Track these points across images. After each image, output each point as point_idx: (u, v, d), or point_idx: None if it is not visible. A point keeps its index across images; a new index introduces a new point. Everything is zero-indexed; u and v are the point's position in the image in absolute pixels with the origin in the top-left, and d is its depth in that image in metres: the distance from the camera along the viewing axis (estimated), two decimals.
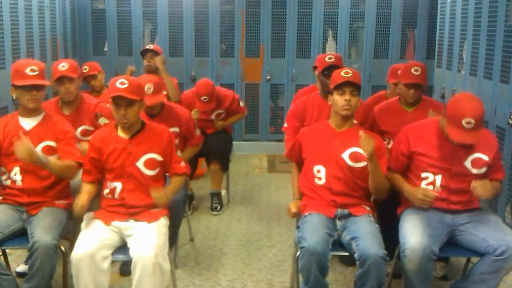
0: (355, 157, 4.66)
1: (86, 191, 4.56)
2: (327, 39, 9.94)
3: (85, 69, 7.02)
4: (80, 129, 5.53)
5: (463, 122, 4.23)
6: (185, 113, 6.16)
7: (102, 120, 5.54)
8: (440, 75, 8.45)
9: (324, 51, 9.87)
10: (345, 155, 4.68)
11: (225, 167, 7.34)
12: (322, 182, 4.70)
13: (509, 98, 6.13)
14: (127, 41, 9.97)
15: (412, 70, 5.37)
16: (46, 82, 4.67)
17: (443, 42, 8.38)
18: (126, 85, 4.41)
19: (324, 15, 9.82)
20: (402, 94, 5.50)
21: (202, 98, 6.89)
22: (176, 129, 5.89)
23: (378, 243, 4.28)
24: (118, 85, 4.41)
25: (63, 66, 5.50)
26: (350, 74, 4.64)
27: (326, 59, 5.73)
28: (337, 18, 9.83)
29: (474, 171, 4.53)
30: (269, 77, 9.96)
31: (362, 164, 4.66)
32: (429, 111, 5.30)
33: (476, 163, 4.53)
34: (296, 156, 4.98)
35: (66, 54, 8.95)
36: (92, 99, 5.82)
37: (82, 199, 4.44)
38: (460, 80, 7.59)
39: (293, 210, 4.74)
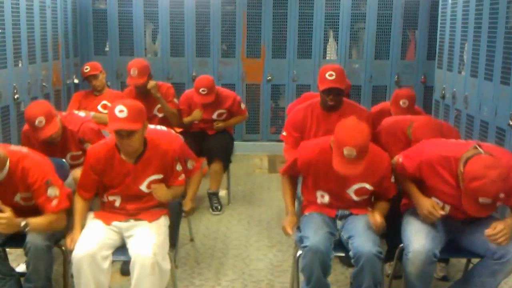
0: (360, 192, 4.59)
1: (79, 221, 4.46)
2: (328, 40, 9.94)
3: (87, 69, 7.05)
4: (68, 155, 5.42)
5: (480, 200, 3.94)
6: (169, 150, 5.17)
7: (88, 146, 5.47)
8: (441, 76, 8.45)
9: (325, 51, 9.89)
10: (351, 191, 4.58)
11: (226, 167, 7.34)
12: (325, 202, 4.68)
13: (509, 100, 6.14)
14: (128, 41, 9.98)
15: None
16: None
17: (444, 43, 8.38)
18: (125, 114, 4.24)
19: (325, 15, 9.81)
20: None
21: (200, 90, 6.91)
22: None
23: (372, 241, 4.27)
24: (117, 114, 4.25)
25: (40, 122, 5.06)
26: (354, 155, 4.22)
27: (327, 76, 5.40)
28: (338, 19, 9.83)
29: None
30: (270, 77, 9.96)
31: (366, 196, 4.64)
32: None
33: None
34: (295, 172, 4.82)
35: (67, 53, 8.98)
36: (73, 122, 5.50)
37: (77, 234, 4.34)
38: (460, 81, 7.59)
39: (289, 231, 4.51)
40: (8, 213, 4.10)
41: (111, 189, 4.56)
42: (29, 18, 7.54)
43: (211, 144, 7.09)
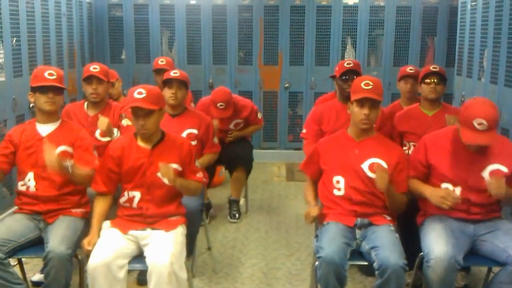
0: (374, 167, 4.58)
1: (97, 224, 4.50)
2: (346, 47, 9.89)
3: None
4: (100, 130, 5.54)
5: (475, 123, 4.20)
6: (206, 118, 6.15)
7: (125, 121, 5.56)
8: (460, 82, 8.37)
9: (343, 58, 9.79)
10: (365, 166, 4.62)
11: (248, 174, 7.33)
12: (342, 193, 4.64)
13: None
14: (144, 48, 9.97)
15: (431, 68, 5.54)
16: (62, 86, 4.66)
17: (463, 49, 8.30)
18: (144, 95, 4.38)
19: (343, 22, 9.78)
20: (423, 93, 5.58)
21: (218, 105, 6.86)
22: (194, 131, 5.93)
23: (398, 252, 4.22)
24: (136, 95, 4.40)
25: (94, 68, 5.59)
26: (370, 87, 4.55)
27: (345, 64, 5.75)
28: (356, 25, 9.78)
29: None
30: (287, 85, 9.93)
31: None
32: (446, 116, 5.34)
33: (494, 174, 4.42)
34: (312, 169, 4.90)
35: (83, 61, 8.96)
36: (119, 104, 5.85)
37: (95, 237, 4.40)
38: (480, 88, 7.51)
39: (313, 213, 4.55)
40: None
41: (129, 182, 4.56)
42: (44, 26, 7.55)
43: (233, 152, 7.05)
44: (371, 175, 4.58)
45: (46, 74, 4.61)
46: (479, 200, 4.46)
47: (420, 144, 4.70)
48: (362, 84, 4.56)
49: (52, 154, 4.37)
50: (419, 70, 5.95)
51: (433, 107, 5.56)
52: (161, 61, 7.35)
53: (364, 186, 4.60)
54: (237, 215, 7.16)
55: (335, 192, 4.67)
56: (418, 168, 4.65)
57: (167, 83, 5.84)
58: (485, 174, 4.43)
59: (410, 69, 6.13)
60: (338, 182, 4.66)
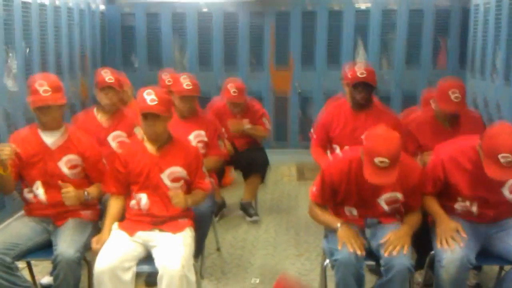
0: (392, 201, 4.45)
1: (109, 224, 4.57)
2: (358, 51, 9.88)
3: None
4: (114, 133, 5.56)
5: (500, 157, 3.95)
6: (214, 121, 6.19)
7: (138, 130, 5.54)
8: (473, 84, 8.34)
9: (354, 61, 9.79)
10: (381, 200, 4.45)
11: (264, 178, 7.40)
12: (355, 217, 4.55)
13: None
14: (157, 56, 10.06)
15: (450, 92, 5.06)
16: (59, 101, 4.54)
17: (476, 51, 8.27)
18: (156, 102, 4.40)
19: (355, 26, 9.79)
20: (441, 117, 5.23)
21: (232, 91, 6.93)
22: (202, 132, 5.91)
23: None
24: (148, 101, 4.42)
25: (110, 79, 5.53)
26: (386, 164, 4.07)
27: (358, 74, 5.51)
28: (368, 29, 9.79)
29: (511, 196, 4.38)
30: (299, 90, 9.96)
31: (397, 205, 4.51)
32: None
33: None
34: (326, 198, 4.58)
35: (95, 69, 8.98)
36: (133, 111, 5.78)
37: (105, 236, 4.45)
38: (493, 89, 7.49)
39: (358, 251, 4.21)
40: (71, 187, 4.49)
41: (136, 183, 4.58)
42: (56, 35, 7.63)
43: (250, 158, 7.12)
44: (387, 208, 4.46)
45: (41, 91, 4.44)
46: (496, 211, 4.44)
47: (438, 162, 4.48)
48: (376, 161, 4.08)
49: (71, 199, 4.50)
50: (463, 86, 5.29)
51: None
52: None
53: (378, 214, 4.51)
54: (256, 213, 7.21)
55: (348, 215, 4.57)
56: (437, 184, 4.51)
57: (183, 99, 5.82)
58: (505, 190, 4.33)
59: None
60: (350, 212, 4.56)
